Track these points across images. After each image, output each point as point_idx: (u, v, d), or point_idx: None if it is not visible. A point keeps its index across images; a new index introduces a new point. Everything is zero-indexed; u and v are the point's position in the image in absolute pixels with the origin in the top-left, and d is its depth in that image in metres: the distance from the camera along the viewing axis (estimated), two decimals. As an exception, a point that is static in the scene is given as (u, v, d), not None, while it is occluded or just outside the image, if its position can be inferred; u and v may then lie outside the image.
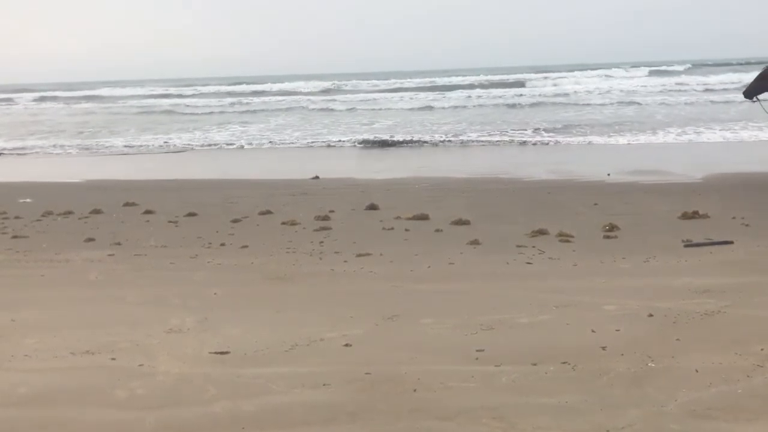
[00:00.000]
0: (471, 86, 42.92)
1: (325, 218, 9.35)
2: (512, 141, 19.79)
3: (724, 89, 32.70)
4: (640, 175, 12.60)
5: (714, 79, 37.28)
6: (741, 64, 49.23)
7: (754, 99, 12.62)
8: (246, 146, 21.48)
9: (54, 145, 22.82)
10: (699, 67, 52.45)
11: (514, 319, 5.14)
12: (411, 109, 31.25)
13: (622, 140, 19.09)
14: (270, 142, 21.94)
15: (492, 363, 4.32)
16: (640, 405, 3.72)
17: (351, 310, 5.43)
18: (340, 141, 21.31)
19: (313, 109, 33.03)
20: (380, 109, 31.96)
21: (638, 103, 29.24)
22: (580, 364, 4.25)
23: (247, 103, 37.49)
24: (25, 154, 21.58)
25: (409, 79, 51.58)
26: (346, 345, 4.72)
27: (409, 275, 6.53)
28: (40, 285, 6.60)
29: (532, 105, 30.65)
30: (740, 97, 12.99)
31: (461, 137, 20.73)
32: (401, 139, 20.62)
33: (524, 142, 19.53)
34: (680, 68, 51.06)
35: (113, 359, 4.59)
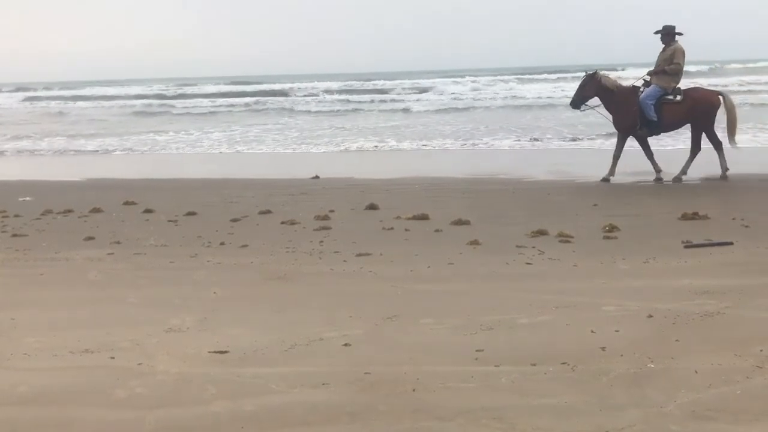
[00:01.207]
0: (480, 87, 42.57)
1: (325, 218, 9.35)
2: (513, 147, 19.29)
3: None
4: (639, 176, 12.60)
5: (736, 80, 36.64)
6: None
7: (582, 108, 12.81)
8: (245, 146, 21.42)
9: (49, 148, 22.64)
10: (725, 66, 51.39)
11: (513, 319, 5.15)
12: (416, 111, 31.06)
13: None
14: (262, 145, 21.56)
15: (491, 363, 4.32)
16: (640, 405, 3.72)
17: (350, 310, 5.44)
18: (341, 142, 21.20)
19: (318, 110, 32.93)
20: (385, 110, 31.69)
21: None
22: (580, 365, 4.25)
23: (252, 104, 37.40)
24: (24, 152, 21.56)
25: (416, 80, 51.44)
26: (346, 345, 4.72)
27: (408, 275, 6.53)
28: (40, 284, 6.60)
29: (543, 106, 29.79)
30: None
31: (467, 141, 20.25)
32: (404, 146, 20.04)
33: (522, 147, 19.27)
34: (705, 68, 50.01)
35: (112, 358, 4.59)
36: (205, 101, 39.80)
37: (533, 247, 7.45)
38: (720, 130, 12.54)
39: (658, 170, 12.32)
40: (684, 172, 12.16)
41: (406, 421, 3.65)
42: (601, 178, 12.26)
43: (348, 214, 9.81)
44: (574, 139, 19.81)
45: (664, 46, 12.43)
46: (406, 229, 8.64)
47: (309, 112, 32.64)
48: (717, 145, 12.28)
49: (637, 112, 12.28)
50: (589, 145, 18.71)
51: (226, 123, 28.15)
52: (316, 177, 13.61)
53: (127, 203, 10.91)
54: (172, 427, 3.67)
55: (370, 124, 26.29)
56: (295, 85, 48.57)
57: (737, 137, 12.65)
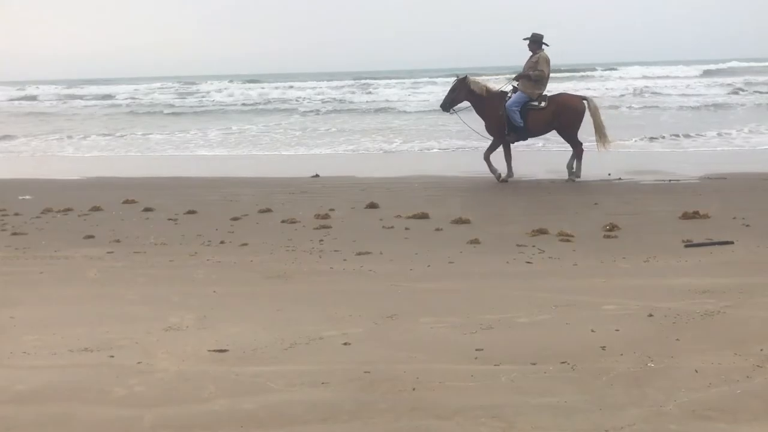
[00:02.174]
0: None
1: (325, 216, 9.35)
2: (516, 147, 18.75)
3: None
4: (640, 175, 12.60)
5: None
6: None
7: (451, 111, 13.19)
8: (246, 145, 21.35)
9: (46, 147, 22.57)
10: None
11: (513, 318, 5.14)
12: (417, 111, 30.81)
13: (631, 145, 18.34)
14: (263, 144, 21.34)
15: (491, 362, 4.31)
16: (640, 405, 3.72)
17: (350, 309, 5.43)
18: (341, 142, 21.10)
19: (319, 109, 32.83)
20: (392, 109, 31.26)
21: (658, 107, 27.60)
22: (580, 364, 4.24)
23: (255, 103, 37.35)
24: (24, 150, 21.51)
25: (417, 79, 51.23)
26: (345, 344, 4.72)
27: (408, 274, 6.53)
28: (39, 282, 6.60)
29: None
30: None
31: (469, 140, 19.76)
32: (404, 146, 19.50)
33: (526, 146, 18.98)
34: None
35: (112, 357, 4.59)
36: (205, 100, 39.81)
37: (533, 246, 7.45)
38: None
39: (509, 174, 12.70)
40: (577, 175, 12.52)
41: (405, 420, 3.64)
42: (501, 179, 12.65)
43: (348, 212, 9.81)
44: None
45: (531, 53, 12.85)
46: (406, 228, 8.64)
47: (310, 111, 32.57)
48: (578, 151, 12.62)
49: (505, 117, 12.69)
50: (589, 146, 18.62)
51: (226, 122, 28.11)
52: (316, 176, 13.61)
53: (126, 202, 10.90)
54: (171, 425, 3.66)
55: (370, 122, 26.26)
56: (307, 83, 48.24)
57: (609, 141, 12.97)
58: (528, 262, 6.87)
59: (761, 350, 4.37)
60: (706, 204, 9.32)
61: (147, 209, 10.28)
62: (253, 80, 57.38)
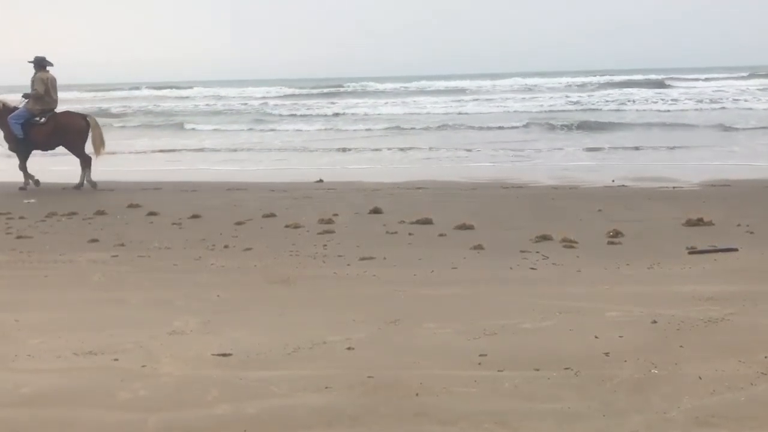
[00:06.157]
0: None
1: (329, 222, 9.36)
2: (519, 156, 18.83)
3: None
4: (644, 182, 12.59)
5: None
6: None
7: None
8: (250, 150, 21.41)
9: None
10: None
11: (517, 324, 5.14)
12: (420, 114, 30.80)
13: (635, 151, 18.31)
14: (266, 149, 21.42)
15: (495, 368, 4.31)
16: (643, 411, 3.71)
17: (354, 314, 5.43)
18: (345, 146, 21.13)
19: (321, 114, 32.87)
20: (396, 127, 30.84)
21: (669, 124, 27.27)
22: (583, 370, 4.24)
23: (258, 108, 37.40)
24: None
25: (417, 83, 51.30)
26: (349, 348, 4.72)
27: (412, 279, 6.53)
28: (44, 286, 6.61)
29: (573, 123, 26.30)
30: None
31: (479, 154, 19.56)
32: (408, 152, 19.24)
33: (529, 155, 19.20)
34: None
35: (116, 360, 4.59)
36: (210, 105, 39.93)
37: (537, 252, 7.45)
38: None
39: (27, 182, 13.87)
40: (83, 181, 13.87)
41: (408, 425, 3.64)
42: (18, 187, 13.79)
43: (352, 218, 9.82)
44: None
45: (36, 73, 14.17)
46: (409, 234, 8.64)
47: (312, 116, 32.61)
48: (85, 162, 14.00)
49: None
50: (588, 150, 18.73)
51: (230, 128, 28.14)
52: (320, 181, 13.62)
53: (131, 206, 10.93)
54: (175, 428, 3.66)
55: (373, 127, 26.29)
56: (304, 88, 48.39)
57: (103, 153, 14.27)
58: (532, 268, 6.86)
59: (765, 358, 4.36)
60: (710, 211, 9.32)
61: (151, 213, 10.31)
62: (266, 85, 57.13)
